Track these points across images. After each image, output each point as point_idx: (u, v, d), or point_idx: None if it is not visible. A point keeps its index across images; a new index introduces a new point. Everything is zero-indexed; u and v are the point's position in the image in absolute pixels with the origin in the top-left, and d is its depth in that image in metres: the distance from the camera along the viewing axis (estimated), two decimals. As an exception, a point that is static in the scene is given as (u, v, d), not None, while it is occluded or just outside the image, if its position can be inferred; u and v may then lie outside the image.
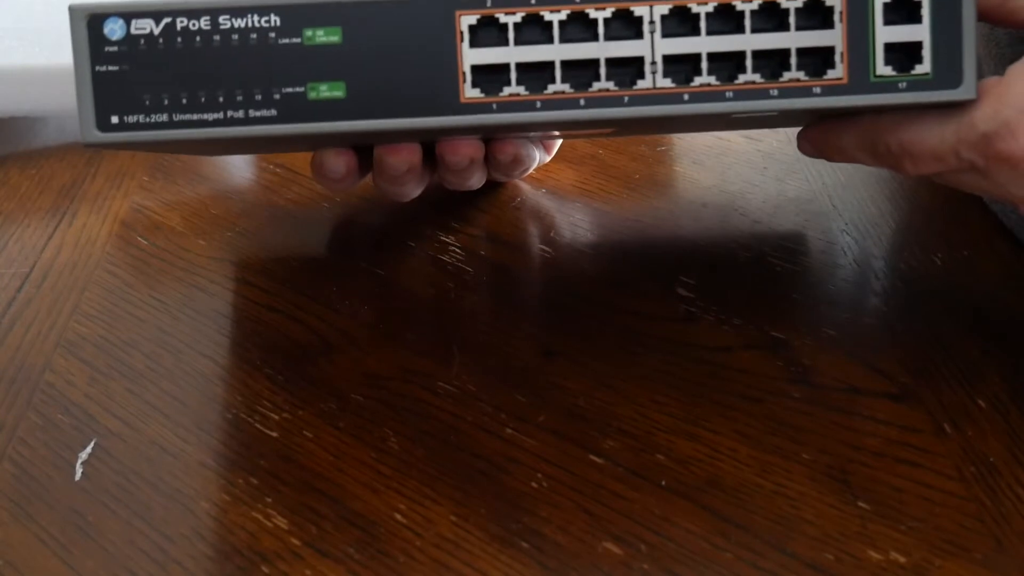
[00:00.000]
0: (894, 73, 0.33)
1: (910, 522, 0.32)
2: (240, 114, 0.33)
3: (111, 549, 0.32)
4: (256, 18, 0.33)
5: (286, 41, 0.33)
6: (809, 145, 0.37)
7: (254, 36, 0.33)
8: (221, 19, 0.33)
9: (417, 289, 0.44)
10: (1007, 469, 0.34)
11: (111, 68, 0.33)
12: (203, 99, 0.33)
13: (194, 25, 0.33)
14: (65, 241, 0.48)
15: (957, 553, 0.31)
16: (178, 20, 0.33)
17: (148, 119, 0.33)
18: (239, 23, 0.33)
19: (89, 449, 0.36)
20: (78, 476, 0.35)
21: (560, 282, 0.45)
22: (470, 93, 0.33)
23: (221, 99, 0.33)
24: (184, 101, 0.33)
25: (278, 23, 0.33)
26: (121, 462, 0.35)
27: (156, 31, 0.33)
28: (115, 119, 0.33)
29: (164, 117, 0.33)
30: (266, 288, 0.44)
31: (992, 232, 0.45)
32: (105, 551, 0.32)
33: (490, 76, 0.33)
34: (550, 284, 0.45)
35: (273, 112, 0.33)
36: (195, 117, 0.33)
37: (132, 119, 0.33)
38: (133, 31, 0.33)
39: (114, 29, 0.33)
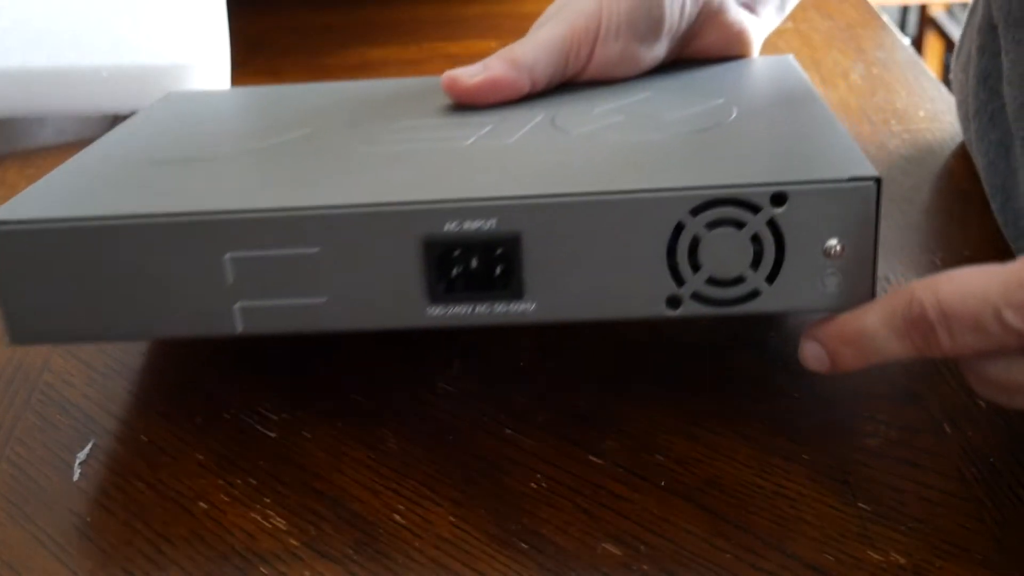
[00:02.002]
0: None
1: (910, 523, 0.32)
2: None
3: (109, 550, 0.32)
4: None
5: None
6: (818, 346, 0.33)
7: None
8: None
9: (416, 289, 0.44)
10: (1007, 469, 0.33)
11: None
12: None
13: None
14: (64, 241, 0.48)
15: (957, 553, 0.31)
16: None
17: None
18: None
19: (87, 449, 0.36)
20: (76, 477, 0.35)
21: (560, 282, 0.44)
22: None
23: None
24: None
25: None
26: (120, 462, 0.35)
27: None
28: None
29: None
30: (265, 288, 0.44)
31: (993, 233, 0.45)
32: (103, 552, 0.32)
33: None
34: (550, 284, 0.45)
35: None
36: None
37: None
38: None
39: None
